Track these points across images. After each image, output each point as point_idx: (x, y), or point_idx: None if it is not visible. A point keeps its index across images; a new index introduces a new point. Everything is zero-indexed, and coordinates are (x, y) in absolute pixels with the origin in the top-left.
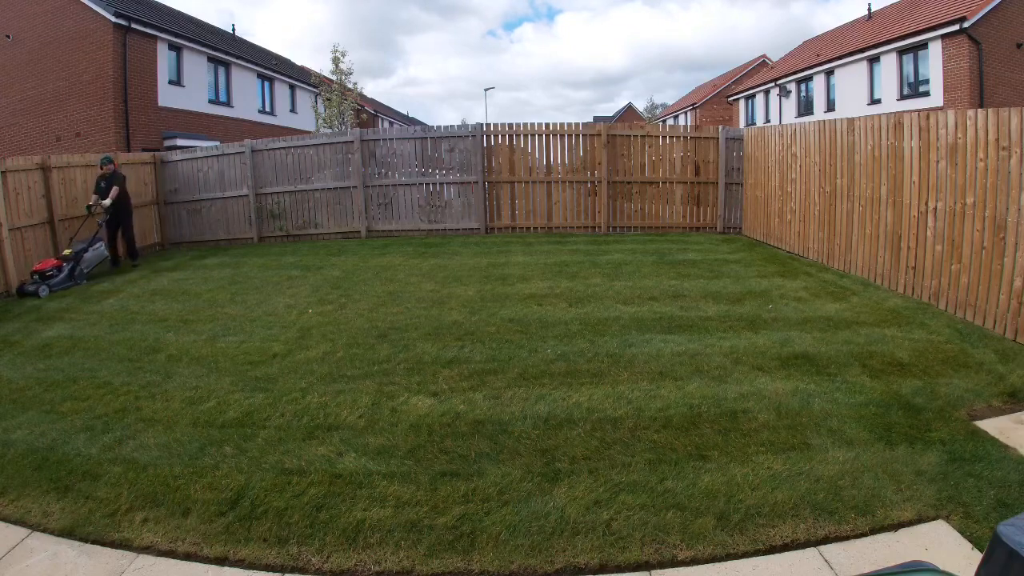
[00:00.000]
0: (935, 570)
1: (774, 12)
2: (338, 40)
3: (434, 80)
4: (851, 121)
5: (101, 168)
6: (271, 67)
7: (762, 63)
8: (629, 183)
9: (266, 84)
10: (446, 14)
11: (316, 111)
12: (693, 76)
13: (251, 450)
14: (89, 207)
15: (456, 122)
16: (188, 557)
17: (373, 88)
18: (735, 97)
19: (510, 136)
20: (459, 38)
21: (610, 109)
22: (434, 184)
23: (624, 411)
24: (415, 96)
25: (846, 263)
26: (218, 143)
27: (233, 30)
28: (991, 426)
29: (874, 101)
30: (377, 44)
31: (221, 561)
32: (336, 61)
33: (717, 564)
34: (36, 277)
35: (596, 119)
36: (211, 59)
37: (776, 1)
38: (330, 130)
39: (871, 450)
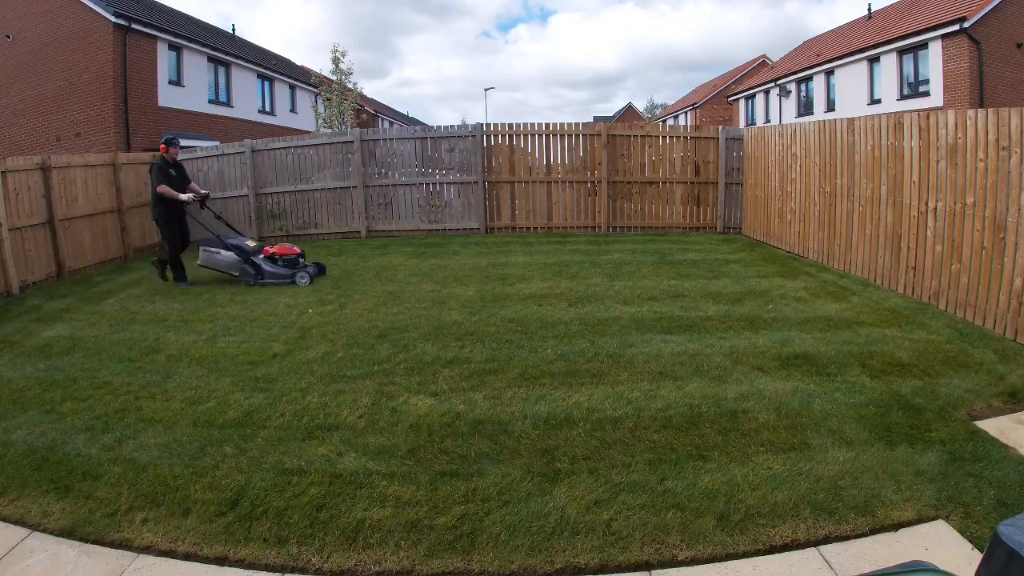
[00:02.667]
0: (935, 570)
1: (767, 12)
2: (333, 41)
3: (430, 80)
4: (851, 121)
5: (170, 149)
6: (271, 67)
7: (762, 63)
8: (629, 183)
9: (266, 84)
10: (439, 15)
11: (316, 111)
12: (689, 76)
13: (251, 450)
14: (194, 200)
15: (454, 122)
16: (188, 557)
17: (369, 89)
18: (735, 97)
19: (510, 136)
20: (453, 39)
21: (607, 109)
22: (434, 184)
23: (624, 411)
24: (411, 96)
25: (846, 263)
26: (218, 143)
27: (233, 30)
28: (991, 426)
29: (874, 101)
30: (372, 45)
31: (221, 561)
32: (336, 61)
33: (717, 564)
34: (280, 263)
35: (596, 119)
36: (211, 59)
37: (769, 1)
38: (330, 130)
39: (871, 450)
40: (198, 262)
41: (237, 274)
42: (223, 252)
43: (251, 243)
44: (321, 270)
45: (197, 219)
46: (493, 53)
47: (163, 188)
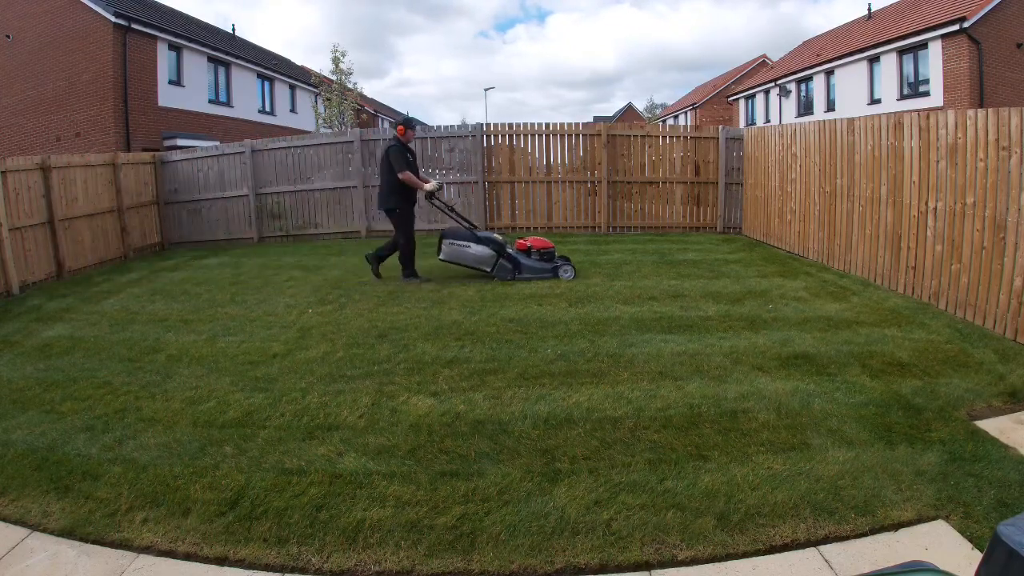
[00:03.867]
0: (935, 570)
1: (764, 12)
2: (332, 41)
3: (428, 81)
4: (851, 121)
5: (408, 131)
6: (271, 67)
7: (762, 63)
8: (629, 183)
9: (266, 84)
10: (435, 15)
11: (316, 111)
12: (686, 76)
13: (251, 450)
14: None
15: (454, 122)
16: (188, 557)
17: (368, 89)
18: (735, 97)
19: (510, 136)
20: (451, 39)
21: (606, 109)
22: None
23: (624, 411)
24: (411, 97)
25: (846, 263)
26: (218, 143)
27: (233, 30)
28: (991, 426)
29: (874, 101)
30: (370, 45)
31: (221, 561)
32: (336, 61)
33: (717, 564)
34: (536, 257)
35: (596, 119)
36: (211, 59)
37: (765, 1)
38: (330, 130)
39: (871, 450)
40: (440, 256)
41: (488, 270)
42: (474, 246)
43: (497, 235)
44: (570, 263)
45: (441, 208)
46: (491, 53)
47: (407, 175)
